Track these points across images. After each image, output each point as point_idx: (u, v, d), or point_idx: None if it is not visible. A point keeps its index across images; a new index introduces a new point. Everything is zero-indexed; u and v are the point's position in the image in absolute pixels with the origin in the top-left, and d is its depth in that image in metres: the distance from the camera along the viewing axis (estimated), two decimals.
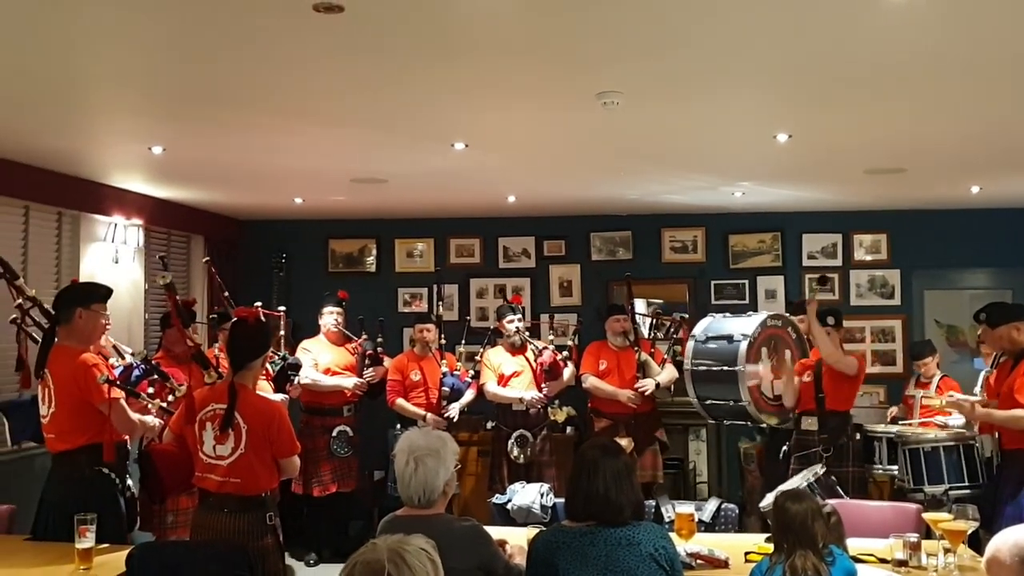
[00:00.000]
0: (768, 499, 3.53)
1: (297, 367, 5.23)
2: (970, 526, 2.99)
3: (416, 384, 5.68)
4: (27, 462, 4.72)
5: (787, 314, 5.40)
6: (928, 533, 3.28)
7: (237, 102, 3.74)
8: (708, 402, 5.06)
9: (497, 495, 4.41)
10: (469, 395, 5.71)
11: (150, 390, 3.95)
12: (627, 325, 5.62)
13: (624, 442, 5.03)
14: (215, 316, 5.06)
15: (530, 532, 3.08)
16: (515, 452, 5.44)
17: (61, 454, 3.53)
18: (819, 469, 4.20)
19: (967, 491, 4.70)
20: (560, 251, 7.25)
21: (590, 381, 5.58)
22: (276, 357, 5.03)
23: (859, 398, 4.99)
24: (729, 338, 4.92)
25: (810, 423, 4.78)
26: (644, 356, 5.53)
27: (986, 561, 1.93)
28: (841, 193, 6.23)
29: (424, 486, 2.62)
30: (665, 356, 5.83)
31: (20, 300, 3.79)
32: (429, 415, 5.54)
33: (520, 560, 2.77)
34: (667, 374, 5.62)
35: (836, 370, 4.75)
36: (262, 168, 5.19)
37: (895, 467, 5.17)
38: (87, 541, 3.03)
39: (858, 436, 5.06)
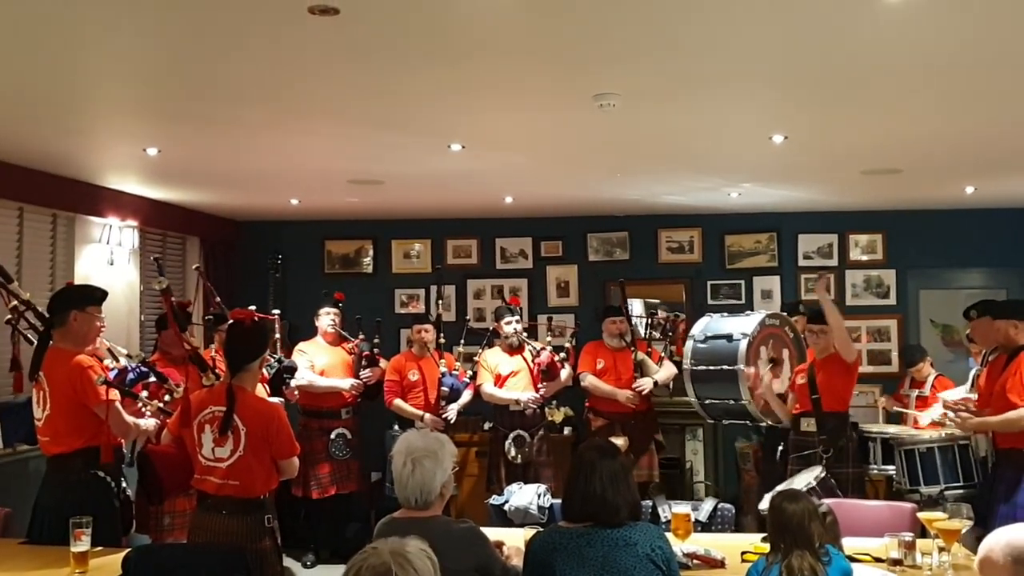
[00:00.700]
0: (767, 501, 3.53)
1: (293, 370, 5.20)
2: (964, 525, 3.00)
3: (414, 384, 5.68)
4: (21, 464, 4.71)
5: (784, 314, 5.42)
6: (923, 532, 3.29)
7: (232, 103, 3.74)
8: (707, 401, 5.06)
9: (494, 496, 4.42)
10: (467, 396, 5.72)
11: (144, 393, 3.93)
12: (623, 327, 5.62)
13: (620, 441, 5.03)
14: (211, 318, 5.05)
15: (527, 533, 3.08)
16: (512, 453, 5.45)
17: (56, 457, 3.52)
18: (819, 471, 4.20)
19: (962, 491, 4.70)
20: (557, 252, 7.25)
21: (588, 380, 5.57)
22: (272, 360, 5.02)
23: (855, 397, 4.98)
24: (728, 337, 4.93)
25: (808, 424, 4.77)
26: (641, 355, 5.53)
27: (979, 561, 1.94)
28: (837, 193, 6.24)
29: (421, 488, 2.62)
30: (662, 354, 5.84)
31: (14, 303, 3.77)
32: (427, 415, 5.54)
33: (517, 561, 2.77)
34: (665, 371, 5.62)
35: (830, 366, 4.73)
36: (258, 169, 5.18)
37: (890, 467, 5.16)
38: (83, 544, 3.02)
39: (854, 436, 5.06)
